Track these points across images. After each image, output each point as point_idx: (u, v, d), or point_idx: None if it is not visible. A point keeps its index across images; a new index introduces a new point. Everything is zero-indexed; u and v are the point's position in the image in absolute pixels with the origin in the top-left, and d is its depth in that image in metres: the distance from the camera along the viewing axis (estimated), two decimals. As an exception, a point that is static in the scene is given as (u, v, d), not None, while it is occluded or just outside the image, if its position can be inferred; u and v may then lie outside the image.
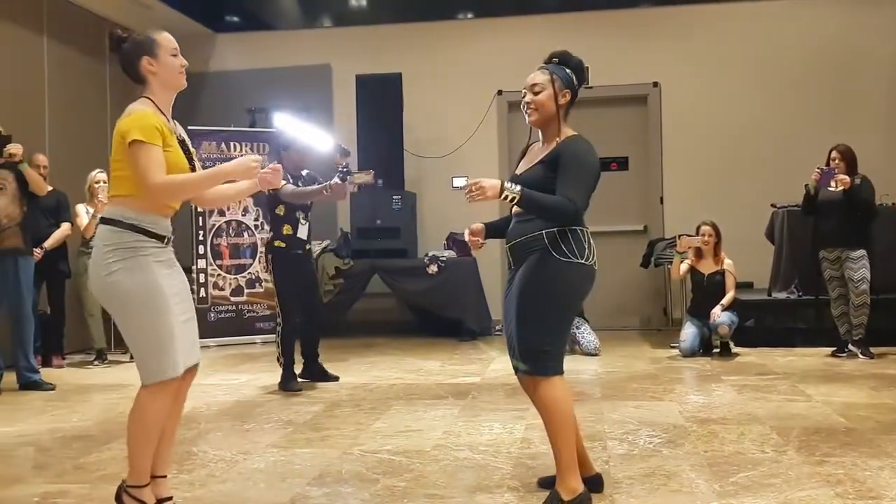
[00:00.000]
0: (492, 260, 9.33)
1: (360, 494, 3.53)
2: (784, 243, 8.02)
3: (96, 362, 7.63)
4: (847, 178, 6.74)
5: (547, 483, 3.41)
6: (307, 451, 4.29)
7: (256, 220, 9.10)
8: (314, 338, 6.42)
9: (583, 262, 3.23)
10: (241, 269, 9.10)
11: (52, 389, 6.32)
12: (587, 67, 3.49)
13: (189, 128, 7.94)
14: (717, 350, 7.36)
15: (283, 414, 5.23)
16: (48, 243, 7.10)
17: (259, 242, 8.89)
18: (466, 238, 3.53)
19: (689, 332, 7.36)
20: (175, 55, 3.16)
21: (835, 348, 7.09)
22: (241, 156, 3.46)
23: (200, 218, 8.89)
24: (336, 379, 6.40)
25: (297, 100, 9.39)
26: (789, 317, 7.85)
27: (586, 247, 3.26)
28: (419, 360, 7.45)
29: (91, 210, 7.46)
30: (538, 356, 3.23)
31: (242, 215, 9.14)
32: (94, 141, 8.82)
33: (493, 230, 3.55)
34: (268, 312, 8.88)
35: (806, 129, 9.16)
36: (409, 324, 9.69)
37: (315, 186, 6.07)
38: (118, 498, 3.15)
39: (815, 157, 7.38)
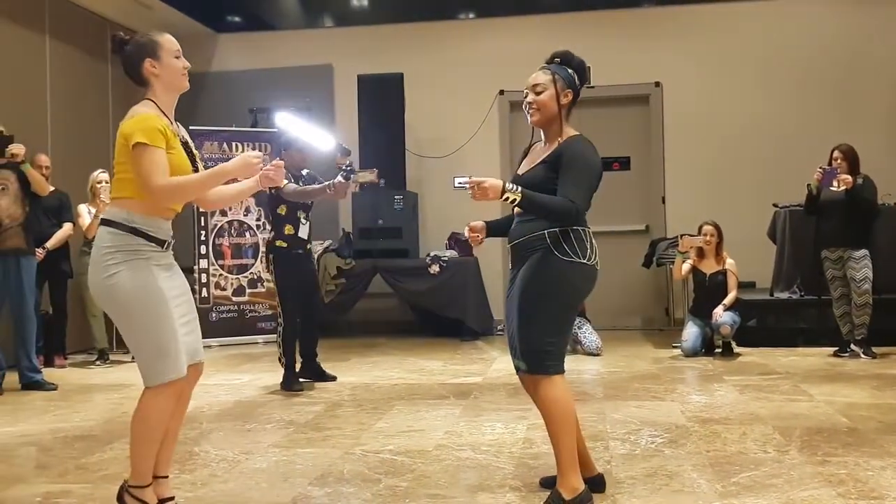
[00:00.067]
0: (493, 260, 9.36)
1: (362, 494, 3.53)
2: (786, 243, 8.01)
3: (98, 362, 7.63)
4: (849, 178, 6.73)
5: (549, 483, 3.41)
6: (309, 450, 4.30)
7: (258, 220, 9.10)
8: (313, 337, 6.42)
9: (585, 261, 3.24)
10: (242, 269, 9.10)
11: (55, 389, 6.32)
12: (589, 67, 3.49)
13: (190, 128, 7.98)
14: (719, 350, 7.35)
15: (285, 414, 5.23)
16: (50, 243, 7.10)
17: (261, 242, 8.89)
18: (466, 234, 3.53)
19: (691, 332, 7.35)
20: (178, 57, 3.16)
21: (837, 348, 7.08)
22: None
23: (202, 218, 8.89)
24: (333, 379, 6.40)
25: (298, 100, 9.39)
26: (791, 317, 7.84)
27: (588, 246, 3.26)
28: (421, 360, 7.45)
29: (93, 210, 7.46)
30: (539, 355, 3.23)
31: (244, 215, 9.14)
32: (96, 141, 8.84)
33: (495, 229, 3.56)
34: (269, 312, 8.89)
35: (808, 128, 9.16)
36: (411, 324, 9.68)
37: (318, 185, 6.07)
38: (120, 498, 3.15)
39: (818, 156, 7.38)
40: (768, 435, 4.36)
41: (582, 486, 3.22)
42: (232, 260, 9.06)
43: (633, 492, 3.46)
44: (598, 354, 7.47)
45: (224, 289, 8.97)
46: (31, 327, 6.45)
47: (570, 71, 3.36)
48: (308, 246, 6.30)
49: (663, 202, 9.73)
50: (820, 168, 6.92)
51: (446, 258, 8.92)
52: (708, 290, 7.43)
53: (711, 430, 4.51)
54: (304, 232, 6.19)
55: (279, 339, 6.18)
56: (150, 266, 3.04)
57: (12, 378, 6.39)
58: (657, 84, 9.74)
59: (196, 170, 3.19)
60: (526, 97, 3.37)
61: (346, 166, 6.01)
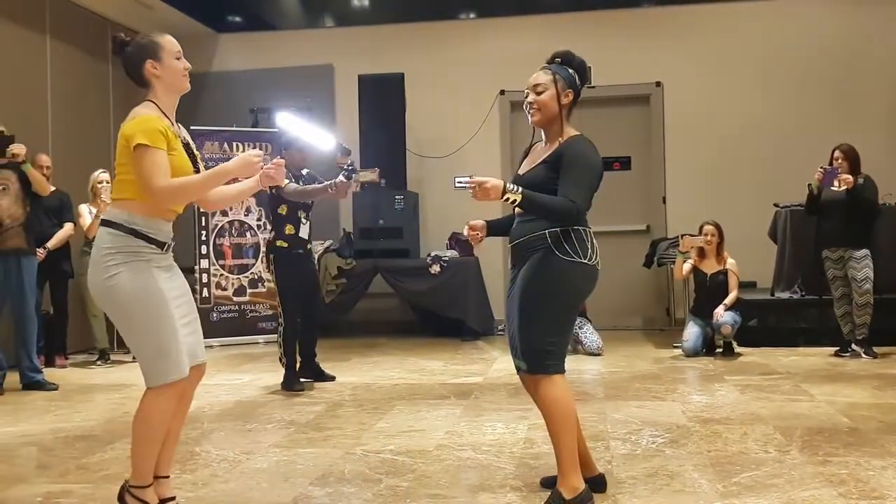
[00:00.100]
0: (494, 260, 9.36)
1: (363, 494, 3.53)
2: (787, 243, 8.01)
3: (99, 362, 7.63)
4: (850, 178, 6.73)
5: (550, 483, 3.41)
6: (310, 450, 4.30)
7: (259, 220, 9.11)
8: (313, 337, 6.42)
9: (585, 261, 3.24)
10: (243, 269, 9.10)
11: (55, 389, 6.33)
12: (590, 67, 3.49)
13: (191, 128, 7.94)
14: (720, 350, 7.35)
15: (286, 414, 5.23)
16: (51, 243, 7.10)
17: (261, 242, 8.89)
18: (466, 233, 3.52)
19: (692, 332, 7.35)
20: (178, 58, 3.16)
21: (838, 348, 7.08)
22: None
23: (203, 218, 8.90)
24: (332, 378, 6.40)
25: (299, 100, 9.39)
26: (792, 316, 7.84)
27: (589, 246, 3.26)
28: (422, 360, 7.45)
29: (94, 210, 7.46)
30: (540, 355, 3.23)
31: (245, 215, 9.14)
32: (96, 141, 8.84)
33: (496, 228, 3.56)
34: (270, 312, 8.89)
35: (809, 128, 9.16)
36: (412, 324, 9.69)
37: (320, 185, 6.07)
38: (121, 498, 3.15)
39: (818, 156, 7.38)
40: (769, 435, 4.35)
41: (582, 486, 3.22)
42: (233, 260, 9.06)
43: (634, 492, 3.45)
44: (599, 354, 7.47)
45: (225, 289, 8.98)
46: (31, 327, 6.45)
47: (570, 71, 3.36)
48: (308, 246, 6.30)
49: (664, 202, 9.73)
50: (821, 168, 6.92)
51: (447, 258, 8.92)
52: (709, 290, 7.43)
53: (712, 430, 4.51)
54: (304, 232, 6.19)
55: (280, 339, 6.18)
56: (151, 268, 3.04)
57: (13, 378, 6.39)
58: (658, 84, 9.74)
59: (197, 171, 3.18)
60: (527, 97, 3.37)
61: (348, 166, 6.01)
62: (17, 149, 6.48)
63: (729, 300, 7.29)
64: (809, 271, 7.57)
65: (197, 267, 8.81)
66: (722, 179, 9.46)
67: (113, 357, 7.79)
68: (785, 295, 7.95)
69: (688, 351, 7.28)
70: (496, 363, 7.12)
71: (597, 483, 3.41)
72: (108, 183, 7.44)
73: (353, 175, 5.97)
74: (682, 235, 7.74)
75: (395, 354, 7.91)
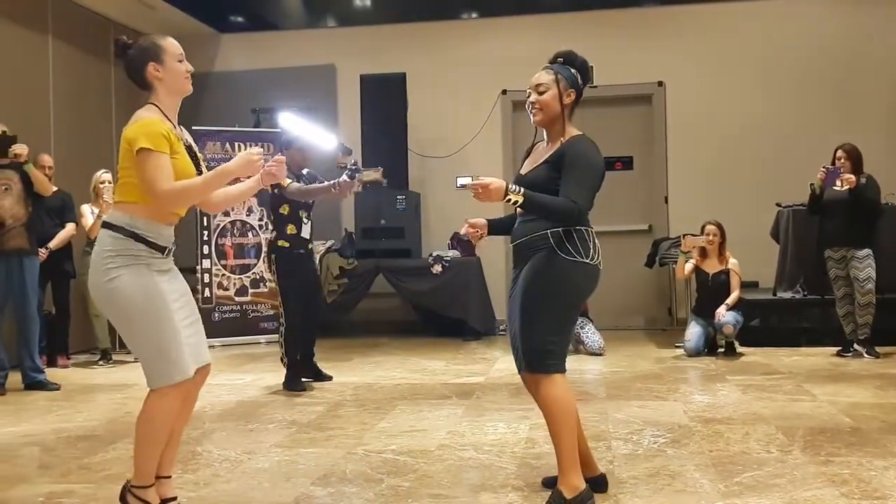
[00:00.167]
0: (496, 259, 9.35)
1: (365, 494, 3.53)
2: (789, 243, 8.00)
3: (101, 362, 7.64)
4: (853, 178, 6.73)
5: (551, 483, 3.41)
6: (311, 450, 4.30)
7: (260, 220, 9.11)
8: (312, 338, 6.41)
9: (588, 261, 3.24)
10: (245, 269, 9.10)
11: (57, 389, 6.33)
12: (592, 67, 3.50)
13: (193, 128, 7.98)
14: (722, 350, 7.34)
15: (288, 414, 5.24)
16: (53, 244, 7.10)
17: (263, 242, 8.89)
18: (464, 230, 3.51)
19: (693, 332, 7.34)
20: (181, 61, 3.16)
21: (840, 348, 7.07)
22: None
23: (205, 218, 8.90)
24: (329, 378, 6.40)
25: (301, 100, 9.39)
26: (794, 316, 7.83)
27: (591, 246, 3.26)
28: (423, 360, 7.45)
29: (96, 210, 7.46)
30: (541, 354, 3.23)
31: (247, 215, 9.15)
32: (98, 141, 8.85)
33: (497, 227, 3.55)
34: (272, 312, 8.90)
35: (811, 128, 9.15)
36: (414, 324, 9.69)
37: (323, 184, 6.06)
38: (123, 498, 3.15)
39: (821, 156, 7.37)
40: (771, 435, 4.35)
41: (583, 485, 3.22)
42: (234, 260, 9.06)
43: (636, 492, 3.45)
44: (600, 354, 7.47)
45: (227, 289, 8.98)
46: (34, 327, 6.46)
47: (572, 71, 3.36)
48: (310, 246, 6.30)
49: (666, 202, 9.72)
50: (823, 167, 6.92)
51: (449, 258, 8.92)
52: (711, 289, 7.42)
53: (714, 429, 4.50)
54: (306, 232, 6.19)
55: (281, 339, 6.18)
56: (151, 271, 3.04)
57: (15, 378, 6.40)
58: (660, 84, 9.74)
59: (200, 173, 3.18)
60: (529, 97, 3.37)
61: (352, 165, 6.01)
62: (20, 149, 6.48)
63: (731, 300, 7.28)
64: (812, 271, 7.56)
65: (199, 267, 8.81)
66: (724, 179, 9.45)
67: (115, 357, 7.79)
68: (787, 295, 7.95)
69: (690, 351, 7.28)
70: (498, 363, 7.12)
71: (598, 483, 3.41)
72: (110, 183, 7.45)
73: (357, 175, 5.96)
74: (684, 235, 7.73)
75: (396, 354, 7.91)
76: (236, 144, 9.08)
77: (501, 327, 8.91)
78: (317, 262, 7.43)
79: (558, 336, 3.26)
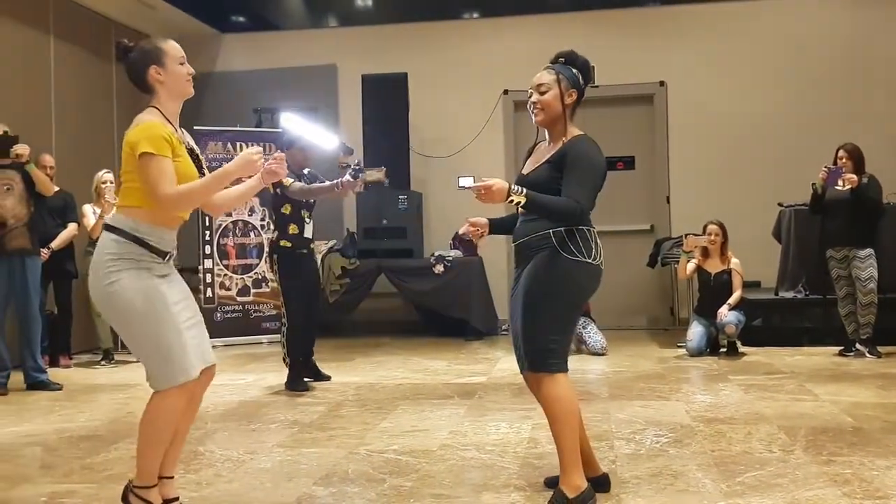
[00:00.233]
0: (498, 259, 9.35)
1: (367, 494, 3.53)
2: (791, 242, 8.00)
3: (103, 362, 7.65)
4: (854, 177, 6.72)
5: (553, 483, 3.40)
6: (313, 450, 4.30)
7: (262, 220, 9.11)
8: (311, 338, 6.40)
9: (590, 261, 3.24)
10: (247, 269, 9.11)
11: (60, 389, 6.34)
12: (593, 67, 3.50)
13: (195, 128, 8.01)
14: (724, 349, 7.34)
15: (290, 414, 5.24)
16: (55, 244, 7.11)
17: (265, 242, 8.89)
18: (464, 229, 3.50)
19: (695, 332, 7.34)
20: (182, 64, 3.15)
21: (842, 347, 7.07)
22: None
23: (207, 218, 8.90)
24: (328, 378, 6.40)
25: (302, 100, 9.39)
26: (796, 316, 7.83)
27: (593, 246, 3.26)
28: (425, 360, 7.44)
29: (98, 210, 7.47)
30: (543, 354, 3.23)
31: (249, 215, 9.15)
32: (100, 141, 8.85)
33: (499, 227, 3.55)
34: (274, 312, 8.90)
35: (812, 128, 9.14)
36: (415, 323, 9.69)
37: (326, 183, 6.06)
38: (125, 498, 3.16)
39: (823, 156, 7.36)
40: (773, 434, 4.35)
41: (585, 484, 3.22)
42: (236, 260, 9.07)
43: (638, 491, 3.45)
44: (602, 354, 7.47)
45: (229, 289, 8.99)
46: (36, 327, 6.46)
47: (574, 70, 3.36)
48: (311, 245, 6.30)
49: (668, 202, 9.72)
50: (825, 167, 6.91)
51: (451, 258, 8.91)
52: (713, 289, 7.42)
53: (716, 429, 4.50)
54: (308, 231, 6.19)
55: (283, 339, 6.17)
56: (152, 275, 3.04)
57: (17, 378, 6.40)
58: (662, 83, 9.73)
59: (202, 175, 3.18)
60: (530, 97, 3.37)
61: (355, 165, 6.01)
62: (21, 149, 6.49)
63: (733, 300, 7.28)
64: (813, 271, 7.56)
65: (201, 267, 8.82)
66: (726, 179, 9.45)
67: (117, 357, 7.80)
68: (789, 294, 7.94)
69: (692, 350, 7.28)
70: (500, 363, 7.12)
71: (600, 483, 3.41)
72: (111, 183, 7.46)
73: (360, 174, 5.96)
74: (686, 235, 7.72)
75: (398, 354, 7.91)
76: (238, 144, 9.08)
77: (503, 327, 8.92)
78: (318, 262, 7.43)
79: (560, 336, 3.26)
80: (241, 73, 10.15)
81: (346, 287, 8.94)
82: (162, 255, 3.08)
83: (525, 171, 3.43)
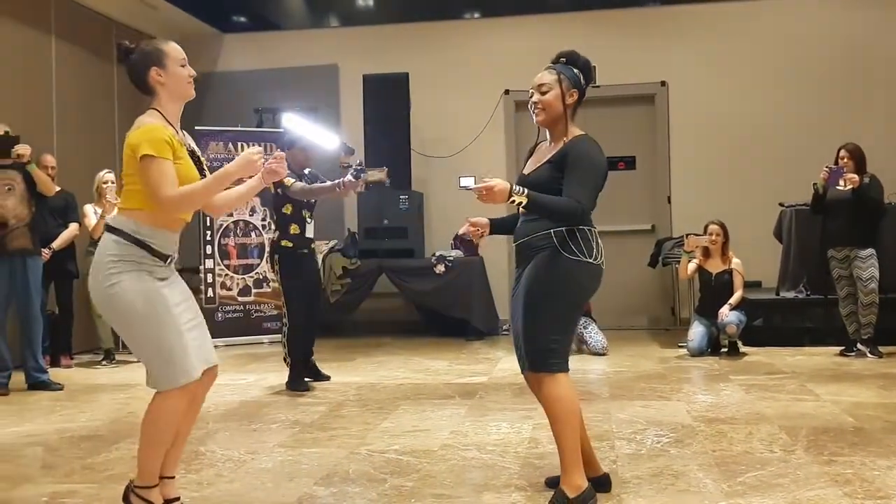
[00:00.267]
0: (499, 259, 9.36)
1: (368, 494, 3.53)
2: (792, 242, 8.00)
3: (104, 362, 7.65)
4: (856, 177, 6.72)
5: (554, 483, 3.40)
6: (314, 450, 4.30)
7: (264, 219, 9.11)
8: (311, 338, 6.40)
9: (591, 261, 3.24)
10: (248, 269, 9.11)
11: (61, 389, 6.34)
12: (594, 67, 3.49)
13: (196, 128, 8.02)
14: (725, 349, 7.34)
15: (291, 414, 5.24)
16: (56, 244, 7.11)
17: (266, 242, 8.89)
18: (465, 229, 3.50)
19: (696, 332, 7.34)
20: (183, 65, 3.15)
21: (843, 347, 7.07)
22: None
23: (208, 218, 8.89)
24: (327, 378, 6.40)
25: (304, 100, 9.39)
26: (798, 316, 7.83)
27: (594, 246, 3.26)
28: (426, 360, 7.45)
29: (99, 210, 7.47)
30: (544, 354, 3.23)
31: (250, 215, 9.15)
32: (101, 141, 8.85)
33: (500, 227, 3.55)
34: (275, 312, 8.91)
35: (814, 127, 9.13)
36: (416, 323, 9.69)
37: (327, 183, 6.06)
38: (126, 498, 3.16)
39: (824, 156, 7.36)
40: (774, 434, 4.35)
41: (585, 484, 3.22)
42: (237, 260, 9.07)
43: (639, 491, 3.45)
44: (603, 354, 7.46)
45: (230, 289, 8.99)
46: (37, 327, 6.47)
47: (575, 70, 3.36)
48: (313, 245, 6.30)
49: (669, 202, 9.72)
50: (826, 167, 6.91)
51: (452, 258, 8.91)
52: (714, 289, 7.41)
53: (717, 429, 4.50)
54: (310, 231, 6.19)
55: (284, 339, 6.17)
56: (153, 277, 3.05)
57: (18, 378, 6.40)
58: (663, 83, 9.73)
59: (203, 177, 3.18)
60: (531, 97, 3.37)
61: (357, 165, 6.01)
62: (23, 149, 6.48)
63: (734, 300, 7.27)
64: (815, 271, 7.56)
65: (202, 267, 8.82)
66: (727, 179, 9.44)
67: (118, 357, 7.80)
68: (790, 294, 7.94)
69: (693, 350, 7.27)
70: (501, 363, 7.12)
71: (601, 483, 3.41)
72: (112, 183, 7.46)
73: (362, 174, 5.96)
74: (688, 235, 7.72)
75: (399, 354, 7.91)
76: (239, 144, 9.09)
77: (504, 327, 8.92)
78: (319, 262, 7.43)
79: (561, 335, 3.26)
80: (243, 73, 10.15)
81: (347, 287, 8.94)
82: (163, 258, 3.08)
83: (526, 171, 3.43)
